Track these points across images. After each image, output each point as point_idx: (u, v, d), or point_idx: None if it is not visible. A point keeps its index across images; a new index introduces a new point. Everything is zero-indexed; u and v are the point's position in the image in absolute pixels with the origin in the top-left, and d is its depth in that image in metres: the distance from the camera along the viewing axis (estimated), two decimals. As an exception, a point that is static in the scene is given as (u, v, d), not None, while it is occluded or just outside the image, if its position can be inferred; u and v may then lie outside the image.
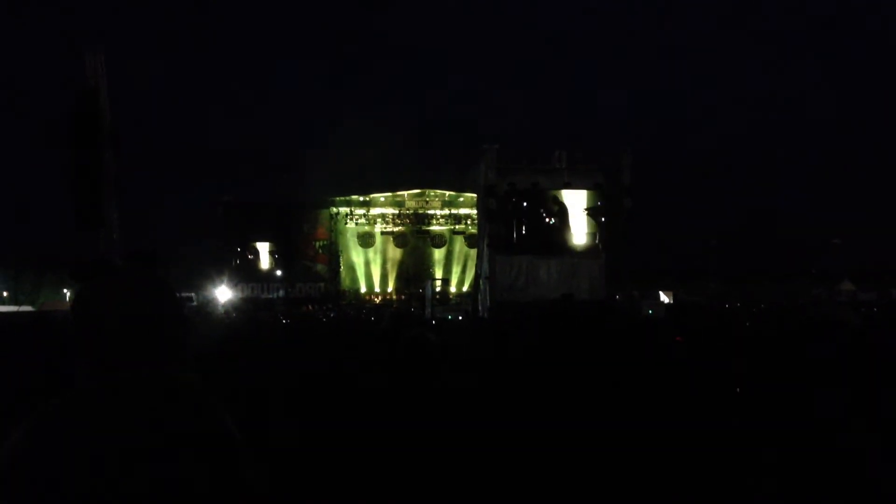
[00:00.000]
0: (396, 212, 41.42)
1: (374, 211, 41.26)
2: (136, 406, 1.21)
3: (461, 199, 41.23)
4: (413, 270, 41.63)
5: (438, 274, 40.77)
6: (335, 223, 39.94)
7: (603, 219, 28.77)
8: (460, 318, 22.28)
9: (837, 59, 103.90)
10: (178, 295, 1.47)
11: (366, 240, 41.91)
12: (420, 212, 41.67)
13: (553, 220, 28.75)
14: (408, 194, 41.77)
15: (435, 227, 42.37)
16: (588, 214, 28.86)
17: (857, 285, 35.70)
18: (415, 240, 42.48)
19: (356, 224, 41.17)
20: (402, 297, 39.80)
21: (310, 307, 31.20)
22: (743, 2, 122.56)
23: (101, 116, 14.40)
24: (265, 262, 38.43)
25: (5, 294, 40.64)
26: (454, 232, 42.08)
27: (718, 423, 1.80)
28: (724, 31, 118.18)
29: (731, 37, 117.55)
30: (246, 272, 37.92)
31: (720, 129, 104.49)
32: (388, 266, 42.41)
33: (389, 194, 41.72)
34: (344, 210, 40.18)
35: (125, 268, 1.49)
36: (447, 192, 41.77)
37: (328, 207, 39.71)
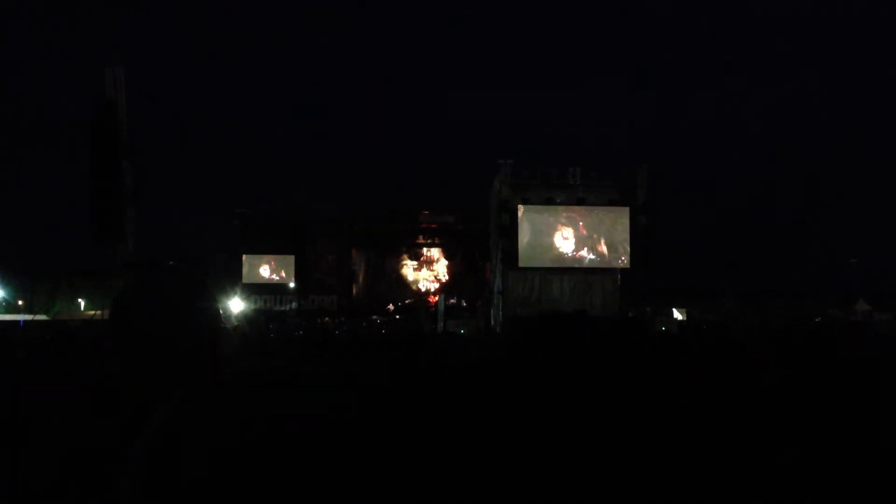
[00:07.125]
0: (410, 224, 41.24)
1: (387, 224, 41.04)
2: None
3: (476, 212, 41.08)
4: (426, 284, 41.57)
5: (451, 288, 40.65)
6: (349, 237, 39.87)
7: (617, 235, 28.69)
8: (472, 332, 22.27)
9: (860, 76, 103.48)
10: (214, 296, 1.46)
11: (379, 253, 41.87)
12: (433, 225, 41.48)
13: (566, 236, 28.71)
14: (421, 207, 41.68)
15: (449, 240, 42.21)
16: (602, 230, 28.78)
17: (873, 305, 35.31)
18: (428, 253, 42.43)
19: (370, 237, 41.00)
20: (415, 310, 39.72)
21: (326, 319, 31.33)
22: (769, 20, 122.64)
23: (119, 129, 14.55)
24: (279, 274, 38.54)
25: (20, 303, 41.02)
26: (468, 245, 41.88)
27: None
28: (745, 47, 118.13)
29: (752, 53, 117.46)
30: (259, 284, 38.02)
31: (737, 147, 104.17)
32: (401, 279, 42.40)
33: (403, 208, 41.61)
34: (357, 224, 40.09)
35: (168, 266, 1.51)
36: (461, 205, 41.58)
37: (342, 221, 39.68)
